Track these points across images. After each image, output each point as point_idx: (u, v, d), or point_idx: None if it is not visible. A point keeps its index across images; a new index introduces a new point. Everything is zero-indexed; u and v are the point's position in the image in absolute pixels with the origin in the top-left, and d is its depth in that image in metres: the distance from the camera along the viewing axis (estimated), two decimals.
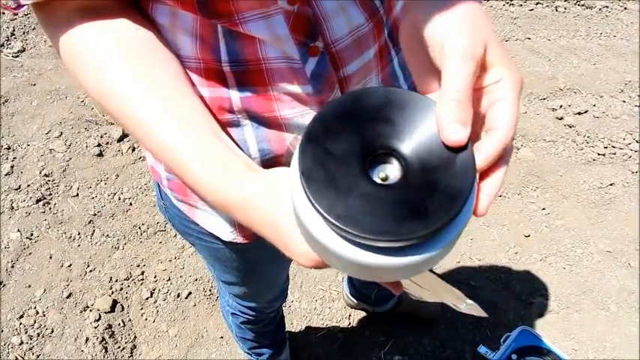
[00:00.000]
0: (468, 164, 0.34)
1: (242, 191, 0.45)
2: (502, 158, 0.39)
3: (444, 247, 0.35)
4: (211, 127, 0.49)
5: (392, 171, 0.36)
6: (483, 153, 0.37)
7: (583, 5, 2.68)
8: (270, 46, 0.51)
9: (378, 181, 0.35)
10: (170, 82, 0.49)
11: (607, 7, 2.67)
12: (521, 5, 2.67)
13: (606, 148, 2.01)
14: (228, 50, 0.52)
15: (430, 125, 0.36)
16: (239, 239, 0.70)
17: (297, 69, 0.53)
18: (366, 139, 0.36)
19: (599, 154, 1.99)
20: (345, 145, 0.35)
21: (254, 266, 0.87)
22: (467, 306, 0.52)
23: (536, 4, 2.68)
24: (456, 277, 1.65)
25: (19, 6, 0.47)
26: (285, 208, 0.43)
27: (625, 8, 2.67)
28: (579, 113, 2.13)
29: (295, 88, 0.54)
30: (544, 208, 1.83)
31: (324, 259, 0.39)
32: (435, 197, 0.33)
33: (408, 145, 0.36)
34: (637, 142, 2.01)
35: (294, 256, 0.44)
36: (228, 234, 0.70)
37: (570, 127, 2.09)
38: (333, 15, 0.52)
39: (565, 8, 2.67)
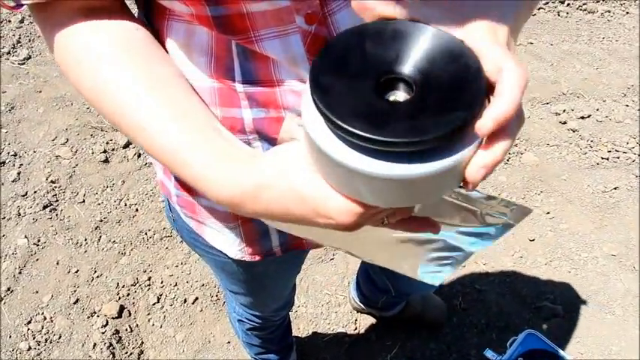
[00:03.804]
0: (478, 88, 0.35)
1: (252, 178, 0.44)
2: (505, 130, 0.36)
3: (460, 158, 0.35)
4: (212, 124, 0.48)
5: (401, 95, 0.37)
6: (485, 116, 0.35)
7: (585, 10, 2.69)
8: (284, 67, 0.51)
9: (391, 99, 0.36)
10: (170, 81, 0.49)
11: (609, 11, 2.68)
12: None
13: (610, 152, 2.01)
14: (242, 70, 0.52)
15: (434, 51, 0.37)
16: (246, 257, 0.71)
17: None
18: (374, 66, 0.36)
19: (602, 158, 1.99)
20: (356, 72, 0.36)
21: (261, 279, 0.88)
22: (512, 212, 0.49)
23: (539, 8, 2.69)
24: (462, 282, 1.65)
25: (19, 5, 0.47)
26: (301, 177, 0.41)
27: (627, 13, 2.68)
28: (582, 117, 2.13)
29: None
30: (548, 212, 1.83)
31: (353, 190, 0.37)
32: (447, 107, 0.34)
33: (414, 70, 0.36)
34: None
35: (330, 216, 0.41)
36: (236, 252, 0.70)
37: (574, 131, 2.09)
38: None
39: (567, 13, 2.68)
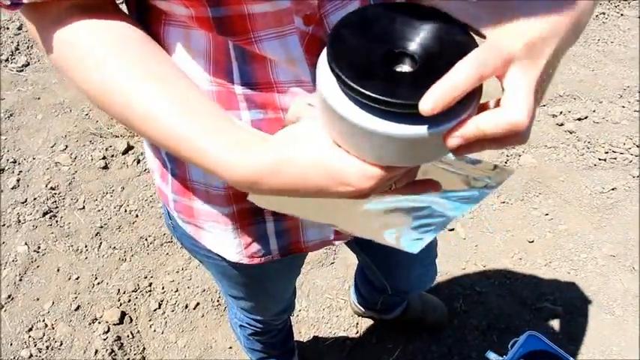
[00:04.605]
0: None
1: (271, 154, 0.44)
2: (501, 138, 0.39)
3: (464, 116, 0.38)
4: (220, 112, 0.48)
5: (406, 67, 0.40)
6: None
7: None
8: (281, 69, 0.52)
9: (398, 70, 0.40)
10: (175, 75, 0.49)
11: (604, 13, 2.70)
12: None
13: (607, 153, 2.02)
14: (241, 73, 0.52)
15: (436, 29, 0.41)
16: (245, 260, 0.71)
17: (309, 92, 0.54)
18: (385, 40, 0.40)
19: (600, 160, 2.00)
20: (368, 44, 0.40)
21: (261, 282, 0.88)
22: (495, 174, 0.53)
23: None
24: (462, 283, 1.66)
25: (16, 4, 0.46)
26: (321, 149, 0.43)
27: (622, 15, 2.69)
28: (579, 119, 2.15)
29: None
30: (547, 214, 1.84)
31: (370, 152, 0.40)
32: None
33: (419, 46, 0.40)
34: (637, 146, 2.03)
35: (349, 182, 0.42)
36: (234, 255, 0.71)
37: (571, 132, 2.10)
38: None
39: None
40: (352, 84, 0.37)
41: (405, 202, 0.52)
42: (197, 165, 0.47)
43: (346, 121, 0.39)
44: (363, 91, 0.36)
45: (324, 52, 0.40)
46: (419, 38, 0.41)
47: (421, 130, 0.38)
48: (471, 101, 0.39)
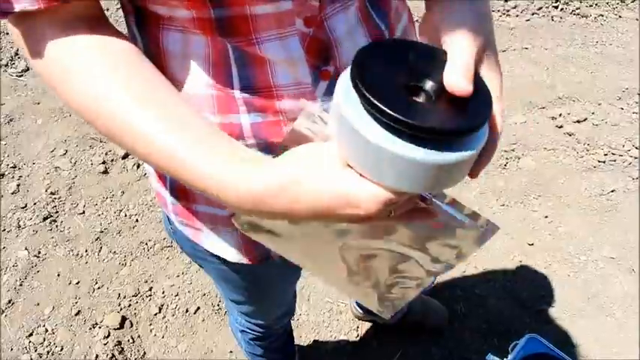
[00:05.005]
0: (485, 94, 0.43)
1: (277, 175, 0.43)
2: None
3: (474, 152, 0.40)
4: (216, 131, 0.48)
5: (422, 99, 0.42)
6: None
7: (578, 14, 2.71)
8: (281, 72, 0.52)
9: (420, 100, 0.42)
10: (167, 92, 0.48)
11: (602, 15, 2.71)
12: (517, 16, 2.71)
13: (606, 155, 2.03)
14: (240, 77, 0.52)
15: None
16: (245, 260, 0.71)
17: (308, 94, 0.54)
18: (406, 73, 0.42)
19: (599, 162, 2.01)
20: (390, 72, 0.41)
21: (261, 285, 0.88)
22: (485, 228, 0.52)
23: (533, 14, 2.71)
24: (462, 287, 1.66)
25: (5, 13, 0.45)
26: (333, 171, 0.42)
27: (620, 16, 2.70)
28: (578, 121, 2.15)
29: None
30: (547, 216, 1.84)
31: (382, 175, 0.41)
32: (468, 108, 0.41)
33: (435, 81, 0.42)
34: (636, 148, 2.03)
35: (359, 204, 0.42)
36: (234, 255, 0.71)
37: (570, 135, 2.11)
38: (343, 40, 0.54)
39: (561, 18, 2.70)
40: (389, 111, 0.38)
41: (393, 246, 0.52)
42: (193, 186, 0.46)
43: (372, 145, 0.39)
44: (399, 117, 0.37)
45: (346, 77, 0.41)
46: (434, 74, 0.42)
47: (450, 156, 0.39)
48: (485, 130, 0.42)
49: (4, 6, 0.45)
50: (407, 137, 0.38)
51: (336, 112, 0.41)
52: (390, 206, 0.42)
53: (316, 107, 0.46)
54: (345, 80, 0.41)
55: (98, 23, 0.49)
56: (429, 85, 0.41)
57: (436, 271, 0.54)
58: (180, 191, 0.66)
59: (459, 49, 0.43)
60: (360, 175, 0.41)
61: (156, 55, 0.54)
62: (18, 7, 0.44)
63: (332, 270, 0.58)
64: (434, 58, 0.43)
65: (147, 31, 0.53)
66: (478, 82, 0.42)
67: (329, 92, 0.55)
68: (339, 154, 0.42)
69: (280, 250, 0.58)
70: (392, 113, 0.37)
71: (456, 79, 0.41)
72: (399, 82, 0.41)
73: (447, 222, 0.48)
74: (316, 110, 0.46)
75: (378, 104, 0.37)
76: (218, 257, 0.73)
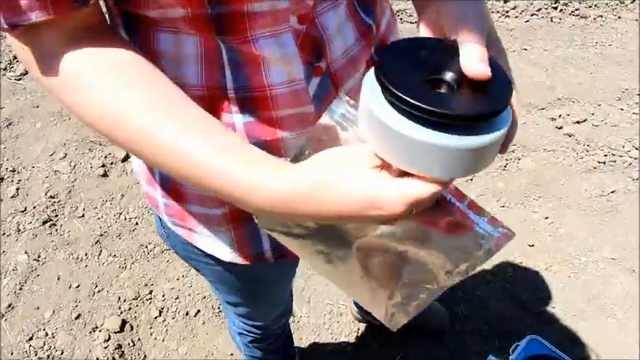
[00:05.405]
0: (501, 74, 0.44)
1: (308, 177, 0.44)
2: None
3: (504, 132, 0.42)
4: (235, 135, 0.48)
5: (445, 90, 0.44)
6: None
7: (578, 15, 2.71)
8: (275, 70, 0.52)
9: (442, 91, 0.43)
10: (181, 99, 0.48)
11: (601, 16, 2.71)
12: (517, 17, 2.71)
13: (606, 156, 2.03)
14: (234, 77, 0.53)
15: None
16: (239, 260, 0.71)
17: (301, 90, 0.55)
18: (426, 67, 0.43)
19: (599, 162, 2.01)
20: (411, 67, 0.43)
21: (256, 285, 0.88)
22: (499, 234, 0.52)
23: (532, 15, 2.71)
24: (463, 289, 1.66)
25: (13, 27, 0.44)
26: (360, 173, 0.43)
27: (619, 17, 2.70)
28: (578, 122, 2.15)
29: (298, 110, 0.56)
30: (547, 217, 1.84)
31: (409, 163, 0.41)
32: (490, 93, 0.42)
33: (453, 71, 0.43)
34: (636, 149, 2.03)
35: (384, 206, 0.42)
36: (228, 254, 0.71)
37: (570, 136, 2.11)
38: (334, 36, 0.55)
39: (560, 19, 2.70)
40: (427, 106, 0.39)
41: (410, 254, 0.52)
42: (217, 193, 0.46)
43: (416, 143, 0.40)
44: (437, 110, 0.38)
45: (372, 83, 0.42)
46: (451, 65, 0.43)
47: (484, 138, 0.40)
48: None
49: (14, 19, 0.43)
50: (445, 128, 0.39)
51: (369, 117, 0.42)
52: (416, 206, 0.42)
53: (343, 105, 0.48)
54: (371, 86, 0.42)
55: (102, 32, 0.48)
56: (448, 75, 0.43)
57: (447, 281, 0.53)
58: (172, 192, 0.66)
59: (468, 36, 0.45)
60: (396, 165, 0.42)
61: (147, 56, 0.53)
62: (34, 17, 0.43)
63: (345, 273, 0.58)
64: (447, 50, 0.45)
65: (136, 34, 0.53)
66: (492, 63, 0.43)
67: (321, 87, 0.56)
68: (376, 150, 0.43)
69: (294, 249, 0.58)
70: (430, 108, 0.38)
71: (474, 64, 0.42)
72: (422, 78, 0.42)
73: (462, 222, 0.48)
74: (341, 109, 0.48)
75: (419, 104, 0.39)
76: (212, 257, 0.73)
